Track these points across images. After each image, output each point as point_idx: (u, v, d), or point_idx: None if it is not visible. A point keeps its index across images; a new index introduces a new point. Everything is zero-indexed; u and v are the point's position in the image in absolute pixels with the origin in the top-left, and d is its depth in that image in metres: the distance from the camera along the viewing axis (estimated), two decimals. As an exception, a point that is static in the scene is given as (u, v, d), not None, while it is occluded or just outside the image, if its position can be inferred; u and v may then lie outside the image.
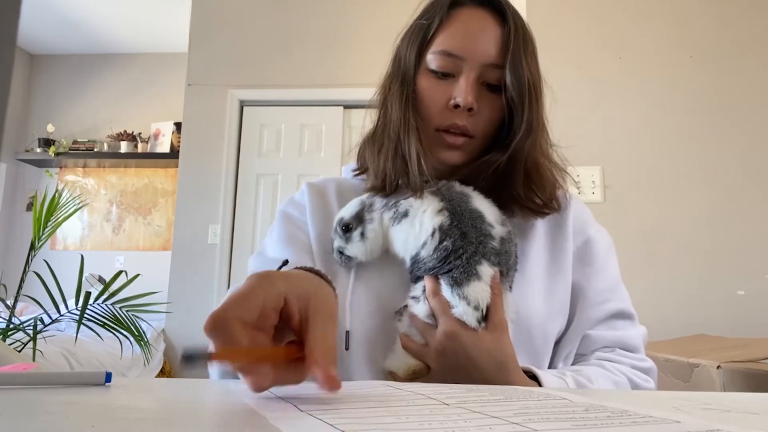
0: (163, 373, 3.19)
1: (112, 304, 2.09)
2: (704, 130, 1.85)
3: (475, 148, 0.70)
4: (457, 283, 0.55)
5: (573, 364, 0.69)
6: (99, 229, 4.41)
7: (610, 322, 0.70)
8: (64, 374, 0.44)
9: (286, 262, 0.53)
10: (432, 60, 0.68)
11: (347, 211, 0.67)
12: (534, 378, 0.58)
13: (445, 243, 0.57)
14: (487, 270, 0.56)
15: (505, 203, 0.67)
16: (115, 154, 4.29)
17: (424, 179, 0.65)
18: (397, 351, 0.60)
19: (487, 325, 0.55)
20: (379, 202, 0.66)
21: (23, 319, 2.25)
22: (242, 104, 3.46)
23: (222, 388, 0.45)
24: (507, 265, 0.59)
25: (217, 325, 0.35)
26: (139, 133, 4.36)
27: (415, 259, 0.60)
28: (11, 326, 2.02)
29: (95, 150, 4.32)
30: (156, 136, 4.33)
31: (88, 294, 2.05)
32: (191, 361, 0.28)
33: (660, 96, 1.89)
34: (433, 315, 0.57)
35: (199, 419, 0.33)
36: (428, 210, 0.60)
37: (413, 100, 0.69)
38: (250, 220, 3.33)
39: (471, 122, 0.67)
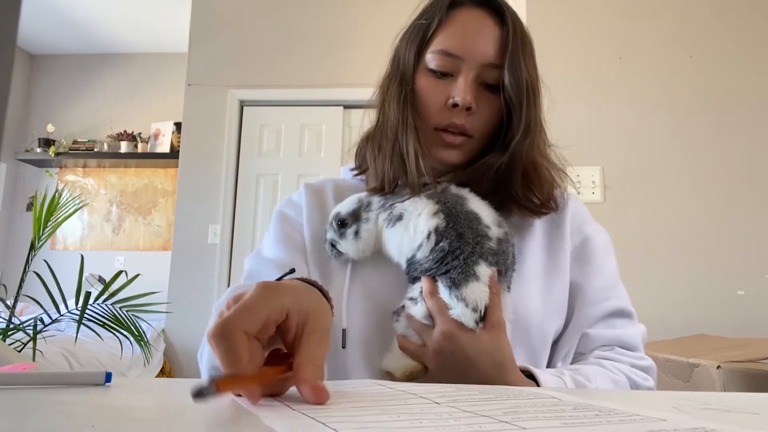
0: (163, 373, 3.19)
1: (112, 304, 2.09)
2: (704, 130, 1.85)
3: (473, 147, 0.70)
4: (455, 285, 0.55)
5: (572, 363, 0.69)
6: (99, 229, 4.41)
7: (608, 320, 0.70)
8: (64, 374, 0.44)
9: (292, 271, 0.53)
10: (431, 59, 0.69)
11: (344, 207, 0.67)
12: (532, 377, 0.58)
13: (441, 244, 0.57)
14: (485, 270, 0.56)
15: (503, 203, 0.67)
16: (115, 154, 4.29)
17: (423, 179, 0.65)
18: (394, 351, 0.60)
19: (485, 325, 0.55)
20: (376, 202, 0.66)
21: (23, 319, 2.25)
22: (242, 104, 3.46)
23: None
24: (505, 265, 0.59)
25: (224, 334, 0.36)
26: (139, 133, 4.36)
27: (411, 261, 0.60)
28: (11, 326, 2.02)
29: (95, 150, 4.32)
30: (156, 136, 4.33)
31: (88, 294, 2.05)
32: (202, 396, 0.29)
33: (660, 96, 1.89)
34: (430, 316, 0.57)
35: (197, 419, 0.33)
36: (423, 213, 0.60)
37: (412, 100, 0.69)
38: (250, 220, 3.33)
39: (469, 122, 0.68)
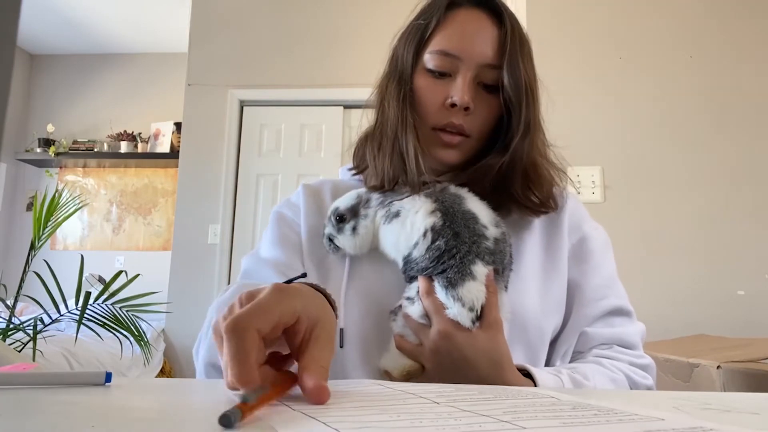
0: (163, 373, 3.19)
1: (112, 304, 2.09)
2: (704, 130, 1.85)
3: (471, 147, 0.71)
4: (451, 284, 0.55)
5: (570, 362, 0.69)
6: (99, 229, 4.42)
7: (607, 319, 0.70)
8: (64, 374, 0.44)
9: (304, 275, 0.53)
10: (429, 59, 0.69)
11: (343, 202, 0.67)
12: (529, 376, 0.58)
13: (437, 243, 0.57)
14: (481, 269, 0.56)
15: (502, 203, 0.67)
16: (115, 154, 4.29)
17: (422, 178, 0.65)
18: (391, 351, 0.60)
19: (482, 324, 0.55)
20: (375, 199, 0.66)
21: (23, 319, 2.25)
22: (242, 104, 3.46)
23: (219, 389, 0.45)
24: (502, 264, 0.59)
25: (238, 330, 0.36)
26: (139, 133, 4.36)
27: (408, 259, 0.60)
28: (11, 326, 2.02)
29: (95, 150, 4.32)
30: (156, 136, 4.33)
31: (88, 294, 2.05)
32: (229, 423, 0.29)
33: (660, 96, 1.89)
34: (427, 315, 0.57)
35: (197, 419, 0.33)
36: (420, 211, 0.60)
37: (410, 99, 0.70)
38: (250, 220, 3.33)
39: (467, 121, 0.68)
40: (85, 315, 2.00)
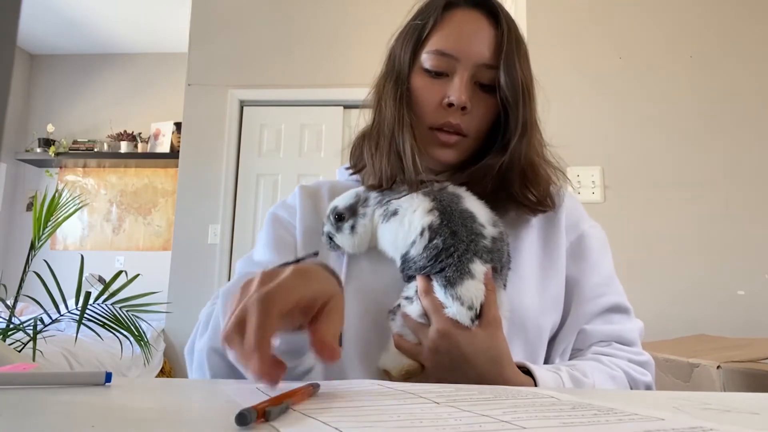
0: (163, 373, 3.19)
1: (112, 304, 2.09)
2: (704, 130, 1.85)
3: (468, 147, 0.71)
4: (450, 284, 0.55)
5: (569, 359, 0.69)
6: (99, 229, 4.42)
7: (605, 316, 0.71)
8: (64, 374, 0.44)
9: (316, 254, 0.56)
10: (426, 59, 0.69)
11: (342, 201, 0.67)
12: (529, 373, 0.58)
13: (435, 241, 0.57)
14: (479, 267, 0.56)
15: (500, 201, 0.68)
16: (115, 154, 4.29)
17: (420, 177, 0.65)
18: (390, 350, 0.60)
19: (481, 322, 0.55)
20: (373, 197, 0.66)
21: (23, 319, 2.25)
22: (242, 104, 3.46)
23: (220, 389, 0.45)
24: (500, 262, 0.59)
25: (265, 304, 0.40)
26: (139, 133, 4.36)
27: (405, 258, 0.60)
28: (11, 326, 2.02)
29: (95, 150, 4.32)
30: (156, 136, 4.33)
31: (88, 294, 2.05)
32: (245, 422, 0.29)
33: (660, 96, 1.89)
34: (426, 314, 0.57)
35: (197, 419, 0.33)
36: (418, 210, 0.60)
37: (407, 98, 0.70)
38: (250, 220, 3.33)
39: (464, 121, 0.68)
40: (85, 315, 2.00)
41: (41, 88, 4.59)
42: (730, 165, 1.82)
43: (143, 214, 4.41)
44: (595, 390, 0.59)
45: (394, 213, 0.63)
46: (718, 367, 1.07)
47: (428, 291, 0.57)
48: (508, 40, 0.68)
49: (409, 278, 0.61)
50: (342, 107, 3.39)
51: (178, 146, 3.69)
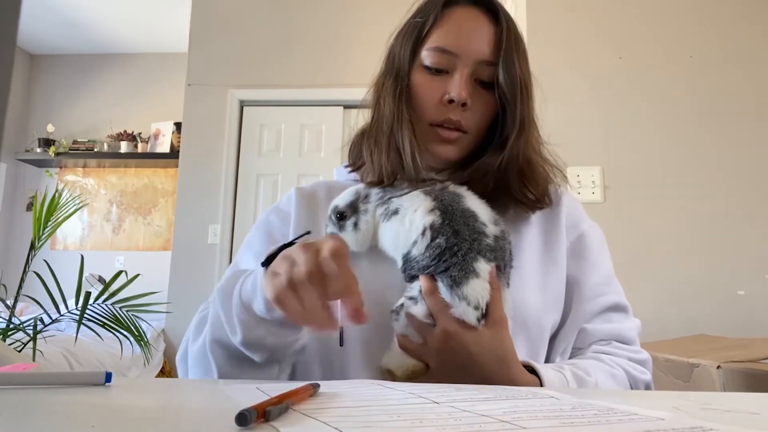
0: (163, 373, 3.19)
1: (112, 304, 2.09)
2: (704, 130, 1.85)
3: (468, 143, 0.71)
4: (456, 283, 0.55)
5: (570, 358, 0.69)
6: (99, 229, 4.42)
7: (605, 315, 0.71)
8: (64, 374, 0.44)
9: (308, 233, 0.60)
10: (426, 56, 0.70)
11: (342, 200, 0.67)
12: (533, 372, 0.58)
13: (438, 240, 0.57)
14: (484, 266, 0.56)
15: (499, 199, 0.68)
16: (115, 154, 4.29)
17: (420, 174, 0.66)
18: (394, 350, 0.59)
19: (487, 321, 0.55)
20: (375, 194, 0.66)
21: (23, 319, 2.25)
22: (242, 104, 3.46)
23: (220, 389, 0.45)
24: (503, 260, 0.59)
25: (341, 255, 0.48)
26: (139, 133, 4.36)
27: (407, 258, 0.60)
28: (11, 326, 2.02)
29: (95, 150, 4.32)
30: (156, 136, 4.33)
31: (88, 294, 2.04)
32: (245, 421, 0.29)
33: (660, 96, 1.89)
34: (431, 315, 0.57)
35: (197, 419, 0.33)
36: (419, 209, 0.60)
37: (407, 95, 0.70)
38: (250, 220, 3.33)
39: (465, 117, 0.69)
40: (85, 315, 2.00)
41: (41, 88, 4.59)
42: (730, 165, 1.82)
43: (143, 214, 4.41)
44: (595, 390, 0.59)
45: (395, 212, 0.62)
46: (718, 367, 1.07)
47: (432, 291, 0.57)
48: (507, 38, 0.68)
49: (411, 278, 0.60)
50: (342, 107, 3.39)
51: (178, 146, 3.69)
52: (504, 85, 0.67)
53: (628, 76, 1.91)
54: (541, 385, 0.56)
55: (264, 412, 0.30)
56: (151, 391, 0.45)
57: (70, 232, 4.36)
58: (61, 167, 4.50)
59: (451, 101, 0.67)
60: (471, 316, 0.55)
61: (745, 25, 1.90)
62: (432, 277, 0.57)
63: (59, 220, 2.39)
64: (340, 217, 0.66)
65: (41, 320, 2.04)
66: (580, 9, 1.96)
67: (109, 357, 2.79)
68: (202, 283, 3.21)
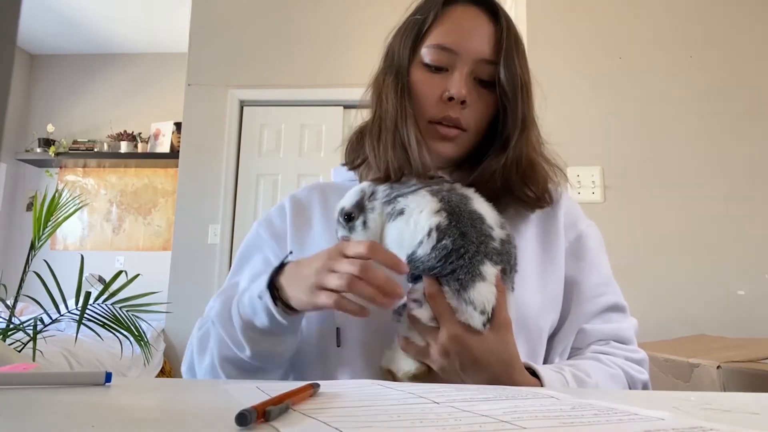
0: (163, 373, 3.19)
1: (112, 304, 2.09)
2: (704, 130, 1.85)
3: (468, 141, 0.71)
4: (462, 287, 0.54)
5: (569, 358, 0.69)
6: (99, 229, 4.41)
7: (605, 315, 0.71)
8: (64, 374, 0.44)
9: (291, 253, 0.61)
10: (426, 54, 0.70)
11: (348, 201, 0.65)
12: (533, 374, 0.58)
13: (444, 242, 0.56)
14: (490, 270, 0.56)
15: (499, 198, 0.68)
16: (115, 154, 4.29)
17: (428, 168, 0.66)
18: (395, 351, 0.59)
19: (492, 325, 0.55)
20: (382, 191, 0.65)
21: (23, 319, 2.24)
22: (242, 104, 3.46)
23: (220, 389, 0.45)
24: (508, 264, 0.59)
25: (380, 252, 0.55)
26: (139, 133, 4.36)
27: (411, 258, 0.59)
28: (11, 326, 2.02)
29: (95, 150, 4.32)
30: (156, 136, 4.33)
31: (88, 294, 2.04)
32: (245, 422, 0.29)
33: (660, 96, 1.89)
34: (434, 317, 0.56)
35: (197, 419, 0.33)
36: (425, 210, 0.59)
37: (408, 92, 0.70)
38: (250, 220, 3.33)
39: (464, 115, 0.69)
40: (85, 315, 2.00)
41: (41, 88, 4.59)
42: (730, 165, 1.82)
43: (143, 214, 4.41)
44: (595, 390, 0.59)
45: (401, 212, 0.61)
46: (718, 367, 1.07)
47: (437, 294, 0.56)
48: (507, 37, 0.68)
49: (414, 279, 0.60)
50: (342, 107, 3.39)
51: (178, 146, 3.69)
52: (505, 84, 0.67)
53: (628, 76, 1.91)
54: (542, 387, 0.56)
55: (264, 412, 0.30)
56: (151, 391, 0.45)
57: (70, 232, 4.36)
58: (61, 167, 4.50)
59: (450, 98, 0.67)
60: (477, 320, 0.54)
61: (745, 25, 1.90)
62: (436, 280, 0.57)
63: (59, 220, 2.39)
64: (348, 218, 0.64)
65: (41, 320, 2.04)
66: (580, 9, 1.96)
67: (109, 357, 2.79)
68: (202, 283, 3.21)
